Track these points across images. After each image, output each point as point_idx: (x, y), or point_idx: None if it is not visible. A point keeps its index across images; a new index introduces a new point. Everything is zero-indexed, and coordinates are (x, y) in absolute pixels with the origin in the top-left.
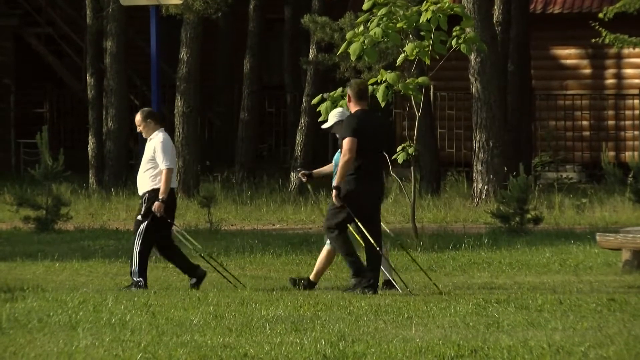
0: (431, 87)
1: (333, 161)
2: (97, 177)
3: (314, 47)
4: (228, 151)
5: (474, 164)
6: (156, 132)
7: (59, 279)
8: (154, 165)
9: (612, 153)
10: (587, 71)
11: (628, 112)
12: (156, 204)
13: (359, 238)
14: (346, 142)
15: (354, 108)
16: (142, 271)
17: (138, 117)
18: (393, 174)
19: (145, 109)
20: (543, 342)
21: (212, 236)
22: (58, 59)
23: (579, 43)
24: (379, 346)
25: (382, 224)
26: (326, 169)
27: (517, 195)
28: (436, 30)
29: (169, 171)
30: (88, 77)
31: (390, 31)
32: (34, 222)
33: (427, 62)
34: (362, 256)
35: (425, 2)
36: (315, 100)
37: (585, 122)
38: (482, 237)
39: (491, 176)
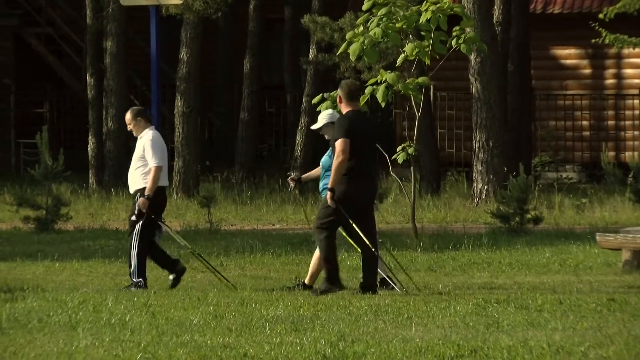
0: (431, 87)
1: (320, 164)
2: (97, 177)
3: (314, 47)
4: (228, 151)
5: (474, 164)
6: (146, 130)
7: (59, 279)
8: (145, 163)
9: (612, 153)
10: (587, 71)
11: (628, 112)
12: (140, 200)
13: (352, 242)
14: (339, 144)
15: (345, 109)
16: (142, 271)
17: (128, 116)
18: (393, 174)
19: (135, 107)
20: (543, 342)
21: (212, 236)
22: (58, 59)
23: (579, 43)
24: (378, 346)
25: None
26: (314, 172)
27: (517, 195)
28: (436, 30)
29: (158, 169)
30: (88, 77)
31: (390, 31)
32: (34, 222)
33: (427, 62)
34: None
35: (425, 2)
36: (315, 100)
37: (585, 122)
38: (482, 237)
39: (491, 176)
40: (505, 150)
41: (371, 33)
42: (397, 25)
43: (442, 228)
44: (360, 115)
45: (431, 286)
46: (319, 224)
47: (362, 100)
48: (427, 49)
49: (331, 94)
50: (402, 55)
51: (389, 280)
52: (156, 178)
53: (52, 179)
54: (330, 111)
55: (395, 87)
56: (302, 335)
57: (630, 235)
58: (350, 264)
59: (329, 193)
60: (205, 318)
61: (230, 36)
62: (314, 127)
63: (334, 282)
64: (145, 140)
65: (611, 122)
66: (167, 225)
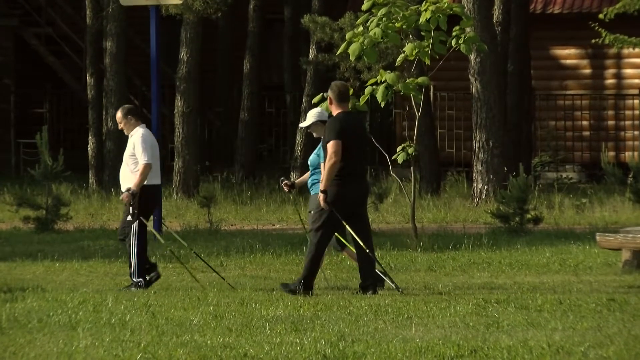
0: (431, 87)
1: (309, 162)
2: (97, 177)
3: (313, 47)
4: (228, 151)
5: (474, 164)
6: (137, 129)
7: (59, 279)
8: (136, 161)
9: (612, 153)
10: (587, 71)
11: (628, 112)
12: (124, 194)
13: (346, 243)
14: (331, 145)
15: (335, 110)
16: (142, 272)
17: (119, 114)
18: (393, 174)
19: (126, 105)
20: (543, 342)
21: (212, 236)
22: (58, 59)
23: (578, 43)
24: (378, 346)
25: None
26: (307, 176)
27: (517, 195)
28: (436, 30)
29: (147, 167)
30: (88, 77)
31: (389, 31)
32: (34, 222)
33: (427, 62)
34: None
35: (424, 2)
36: (315, 100)
37: (585, 122)
38: (482, 237)
39: (491, 176)
40: (505, 150)
41: (371, 33)
42: (397, 25)
43: (442, 228)
44: (351, 117)
45: (431, 286)
46: (315, 227)
47: (362, 100)
48: (426, 49)
49: None
50: (402, 55)
51: (382, 277)
52: (144, 175)
53: (52, 179)
54: (319, 109)
55: (395, 87)
56: (302, 335)
57: (630, 235)
58: (351, 264)
59: (321, 195)
60: (205, 318)
61: (230, 36)
62: (302, 124)
63: (307, 287)
64: (136, 138)
65: (611, 122)
66: (149, 226)
